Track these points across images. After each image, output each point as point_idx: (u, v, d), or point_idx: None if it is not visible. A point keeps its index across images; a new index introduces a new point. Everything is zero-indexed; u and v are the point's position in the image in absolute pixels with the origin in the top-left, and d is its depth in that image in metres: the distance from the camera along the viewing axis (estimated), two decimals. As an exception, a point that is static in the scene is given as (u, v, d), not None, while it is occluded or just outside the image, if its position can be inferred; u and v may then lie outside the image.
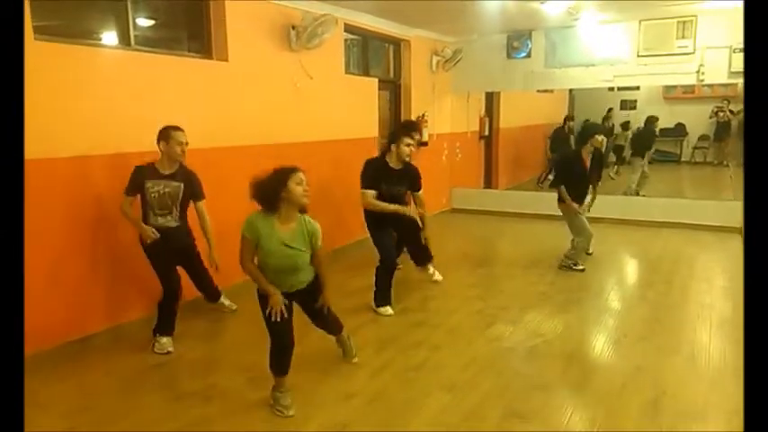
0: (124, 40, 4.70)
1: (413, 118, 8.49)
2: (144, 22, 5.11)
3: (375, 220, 4.96)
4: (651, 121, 10.43)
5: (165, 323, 4.26)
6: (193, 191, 4.29)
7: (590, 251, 6.38)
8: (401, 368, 3.89)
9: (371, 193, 4.81)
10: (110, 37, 4.78)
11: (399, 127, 5.13)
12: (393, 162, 4.87)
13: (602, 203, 6.59)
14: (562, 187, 5.99)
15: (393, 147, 4.83)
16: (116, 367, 3.96)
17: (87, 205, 4.29)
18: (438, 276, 5.75)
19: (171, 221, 4.20)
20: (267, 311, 3.28)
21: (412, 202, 5.20)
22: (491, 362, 3.98)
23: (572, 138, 11.14)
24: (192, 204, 4.33)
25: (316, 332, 3.75)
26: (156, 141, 4.13)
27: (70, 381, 3.76)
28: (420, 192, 5.13)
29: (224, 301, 4.87)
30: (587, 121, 11.55)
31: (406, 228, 5.17)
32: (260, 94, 5.80)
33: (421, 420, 3.23)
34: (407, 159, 4.89)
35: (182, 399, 3.51)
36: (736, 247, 6.91)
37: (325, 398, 3.48)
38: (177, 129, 4.14)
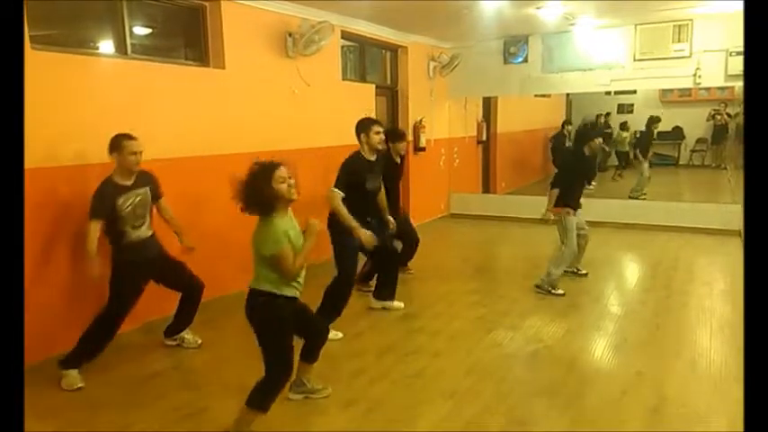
0: (121, 48, 4.71)
1: (410, 123, 8.52)
2: (140, 30, 5.11)
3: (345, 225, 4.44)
4: (650, 122, 10.40)
5: (85, 352, 3.85)
6: (156, 192, 4.08)
7: (583, 271, 6.06)
8: (401, 375, 3.87)
9: (340, 194, 4.40)
10: (106, 45, 4.78)
11: (362, 120, 4.78)
12: (368, 154, 4.64)
13: (600, 207, 6.60)
14: (555, 190, 5.60)
15: (363, 137, 4.61)
16: (116, 377, 3.93)
17: (85, 213, 4.28)
18: (399, 304, 5.19)
19: (146, 231, 3.99)
20: (281, 329, 3.02)
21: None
22: (492, 368, 3.96)
23: (567, 140, 11.26)
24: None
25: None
26: (108, 151, 3.83)
27: (70, 392, 3.72)
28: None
29: (185, 334, 4.41)
30: (585, 124, 11.63)
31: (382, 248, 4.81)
32: (257, 101, 5.80)
33: (422, 428, 3.21)
34: (379, 147, 4.70)
35: (180, 409, 3.48)
36: (735, 250, 6.90)
37: (325, 405, 3.46)
38: (129, 137, 3.81)
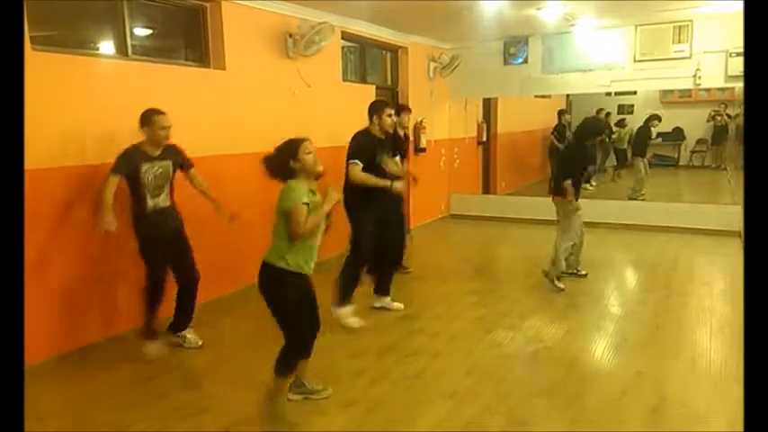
0: (121, 49, 4.71)
1: (410, 124, 8.51)
2: (141, 31, 5.11)
3: (363, 201, 4.72)
4: (649, 119, 10.39)
5: (150, 326, 4.18)
6: (183, 162, 4.32)
7: (583, 272, 6.05)
8: (401, 375, 3.87)
9: (359, 164, 4.65)
10: (107, 46, 4.78)
11: (375, 102, 5.10)
12: (377, 133, 4.85)
13: (600, 208, 6.58)
14: (568, 182, 5.65)
15: (375, 119, 4.83)
16: (115, 377, 3.93)
17: (86, 215, 4.29)
18: (398, 305, 5.21)
19: (165, 200, 4.17)
20: (292, 301, 3.18)
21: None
22: (492, 369, 3.96)
23: (567, 131, 11.28)
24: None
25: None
26: (138, 125, 4.03)
27: (69, 392, 3.73)
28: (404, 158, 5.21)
29: (187, 334, 4.45)
30: (587, 118, 11.61)
31: (391, 228, 5.03)
32: (258, 102, 5.80)
33: (422, 428, 3.21)
34: (390, 130, 4.95)
35: (181, 408, 3.49)
36: (735, 250, 6.90)
37: (325, 405, 3.46)
38: (159, 112, 4.04)
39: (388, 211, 4.95)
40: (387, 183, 4.67)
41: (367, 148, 4.72)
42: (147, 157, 4.04)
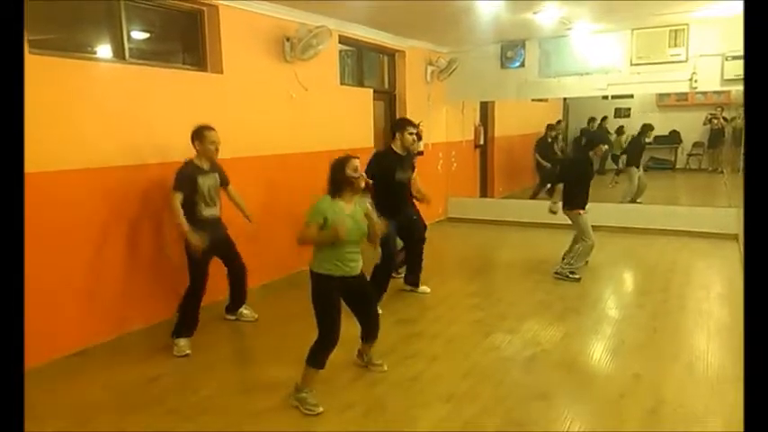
0: (119, 53, 4.71)
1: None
2: (138, 34, 5.12)
3: (387, 211, 4.77)
4: (643, 129, 10.41)
5: (185, 324, 4.41)
6: (224, 179, 4.65)
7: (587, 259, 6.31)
8: (400, 378, 3.87)
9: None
10: (104, 50, 4.78)
11: (400, 120, 5.53)
12: (399, 149, 5.23)
13: (598, 211, 6.58)
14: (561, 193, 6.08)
15: (398, 135, 5.22)
16: (114, 380, 3.94)
17: (83, 219, 4.28)
18: (425, 288, 5.80)
19: (217, 211, 4.55)
20: (322, 302, 3.46)
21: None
22: (490, 372, 3.96)
23: (555, 145, 11.24)
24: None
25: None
26: (190, 141, 4.38)
27: (69, 394, 3.73)
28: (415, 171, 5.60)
29: (243, 310, 5.04)
30: (589, 129, 11.68)
31: (412, 232, 5.44)
32: (255, 105, 5.81)
33: (420, 430, 3.21)
34: (411, 147, 5.31)
35: (178, 411, 3.49)
36: (731, 253, 6.92)
37: (323, 408, 3.45)
38: (209, 128, 4.41)
39: (408, 214, 5.39)
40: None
41: (381, 164, 5.05)
42: (201, 170, 4.41)
